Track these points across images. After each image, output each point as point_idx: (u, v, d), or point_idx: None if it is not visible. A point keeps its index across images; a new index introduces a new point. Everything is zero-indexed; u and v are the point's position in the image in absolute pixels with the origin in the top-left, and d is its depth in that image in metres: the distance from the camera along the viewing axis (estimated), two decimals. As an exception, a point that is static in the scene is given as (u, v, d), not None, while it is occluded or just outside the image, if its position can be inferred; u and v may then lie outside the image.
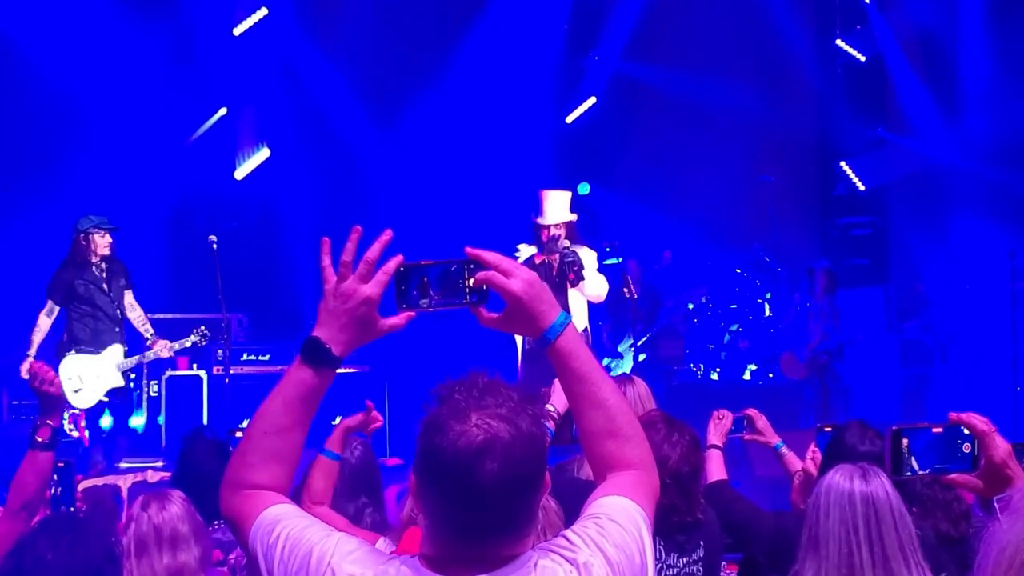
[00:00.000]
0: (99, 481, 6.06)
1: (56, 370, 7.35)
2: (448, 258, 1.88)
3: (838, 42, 12.31)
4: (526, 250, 7.42)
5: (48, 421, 3.34)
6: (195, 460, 4.67)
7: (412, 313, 1.88)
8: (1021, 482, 2.00)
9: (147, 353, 7.89)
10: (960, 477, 2.04)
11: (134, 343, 8.00)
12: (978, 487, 2.04)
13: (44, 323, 7.65)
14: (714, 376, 11.02)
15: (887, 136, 12.19)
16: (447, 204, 10.96)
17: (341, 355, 1.91)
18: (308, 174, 11.07)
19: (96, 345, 7.71)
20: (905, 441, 2.01)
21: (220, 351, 8.53)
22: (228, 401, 8.15)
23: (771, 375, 10.85)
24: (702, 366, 11.04)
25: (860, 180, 12.17)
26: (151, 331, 7.95)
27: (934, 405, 10.46)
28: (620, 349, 10.36)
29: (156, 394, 8.98)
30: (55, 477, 3.51)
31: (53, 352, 7.71)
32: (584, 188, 11.44)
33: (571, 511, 2.55)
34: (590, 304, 7.45)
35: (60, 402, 3.44)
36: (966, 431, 2.01)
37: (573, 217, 7.39)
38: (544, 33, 12.15)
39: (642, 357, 10.00)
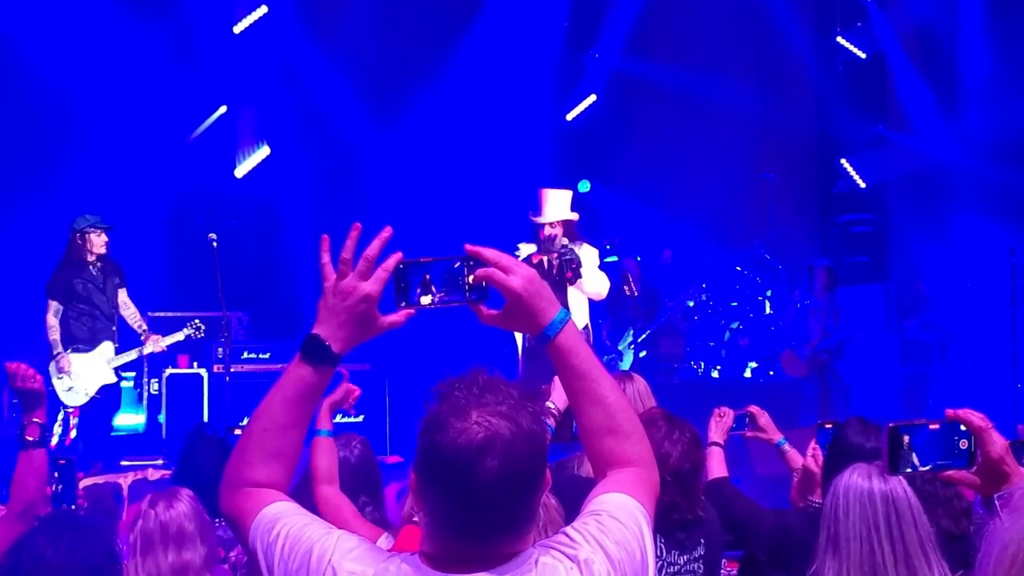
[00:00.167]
0: (100, 479, 6.06)
1: (47, 370, 7.50)
2: (447, 255, 1.88)
3: (838, 39, 12.30)
4: (526, 248, 7.42)
5: (35, 419, 3.34)
6: (196, 457, 4.68)
7: (412, 310, 1.88)
8: (1018, 478, 2.00)
9: (141, 348, 7.95)
10: (957, 474, 2.04)
11: (127, 340, 8.03)
12: (975, 483, 2.04)
13: (54, 322, 7.72)
14: (714, 374, 11.02)
15: (887, 133, 12.18)
16: (447, 202, 10.96)
17: (340, 352, 1.91)
18: (308, 172, 11.07)
19: (92, 344, 7.79)
20: (907, 438, 2.00)
21: (220, 349, 8.54)
22: (228, 399, 8.16)
23: (771, 373, 10.85)
24: (702, 364, 11.03)
25: (860, 177, 12.16)
26: (144, 327, 8.05)
27: (934, 403, 10.46)
28: (620, 347, 10.36)
29: (156, 392, 8.99)
30: (56, 474, 3.52)
31: (46, 351, 7.77)
32: (584, 186, 11.44)
33: (571, 508, 2.54)
34: (591, 302, 7.45)
35: (43, 398, 3.45)
36: (963, 427, 2.01)
37: (574, 216, 7.39)
38: (544, 31, 12.14)
39: (642, 354, 10.00)
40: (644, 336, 10.39)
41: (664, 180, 11.99)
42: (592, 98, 12.55)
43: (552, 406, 3.25)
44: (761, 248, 11.49)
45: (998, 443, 2.01)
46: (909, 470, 2.03)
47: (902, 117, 11.99)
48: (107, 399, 7.95)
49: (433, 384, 1.80)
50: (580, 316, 7.27)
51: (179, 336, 8.03)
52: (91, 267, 7.81)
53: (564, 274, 7.08)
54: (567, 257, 7.09)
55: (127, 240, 8.81)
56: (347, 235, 1.89)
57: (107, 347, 7.85)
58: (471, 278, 1.85)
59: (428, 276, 1.86)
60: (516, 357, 7.34)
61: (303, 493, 3.27)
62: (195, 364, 9.06)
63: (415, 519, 2.87)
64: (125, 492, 5.71)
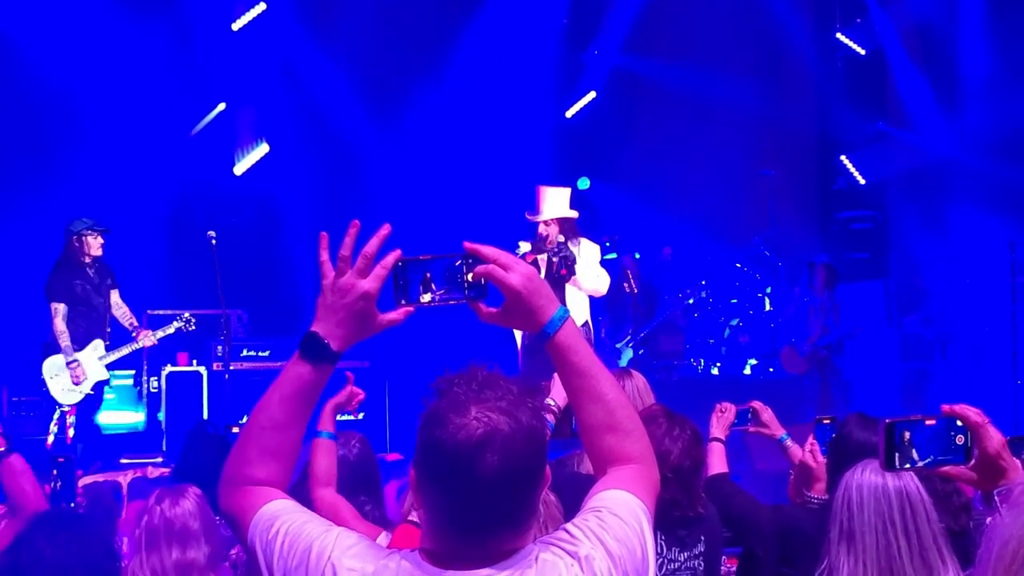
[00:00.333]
0: (99, 477, 6.07)
1: (40, 369, 7.54)
2: (446, 252, 1.87)
3: (838, 35, 12.29)
4: (525, 246, 7.41)
5: None
6: (197, 455, 4.68)
7: (411, 308, 1.88)
8: (1015, 473, 1.99)
9: (132, 344, 7.99)
10: (954, 469, 2.03)
11: (119, 338, 8.06)
12: (972, 479, 2.03)
13: (63, 328, 7.74)
14: (714, 371, 11.02)
15: (887, 130, 12.17)
16: (447, 199, 10.95)
17: (339, 350, 1.90)
18: (307, 169, 11.05)
19: (85, 343, 7.82)
20: (903, 434, 2.00)
21: (220, 347, 8.54)
22: (228, 397, 8.16)
23: (771, 370, 10.85)
24: (702, 361, 11.03)
25: (860, 174, 12.16)
26: (135, 323, 8.11)
27: (934, 399, 10.44)
28: (618, 346, 10.36)
29: (156, 390, 8.99)
30: (55, 472, 3.53)
31: (39, 352, 7.79)
32: (584, 183, 11.43)
33: (571, 505, 2.54)
34: (591, 299, 7.44)
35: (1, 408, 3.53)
36: (959, 423, 2.00)
37: (573, 214, 7.38)
38: (543, 28, 12.13)
39: (641, 351, 10.00)
40: (644, 334, 10.38)
41: (664, 177, 11.99)
42: (592, 95, 12.54)
43: (552, 402, 3.25)
44: (761, 245, 11.49)
45: (995, 438, 2.01)
46: (907, 466, 2.03)
47: (902, 113, 11.98)
48: (95, 396, 7.98)
49: (432, 381, 1.80)
50: (580, 313, 7.26)
51: (170, 330, 8.09)
52: (88, 269, 7.86)
53: (559, 271, 7.08)
54: (562, 254, 7.10)
55: (126, 238, 8.80)
56: (346, 232, 1.89)
57: (98, 344, 7.89)
58: (470, 276, 1.85)
59: (428, 274, 1.86)
60: (516, 354, 7.34)
61: (302, 491, 3.26)
62: (194, 362, 9.07)
63: (412, 518, 2.86)
64: (124, 490, 5.72)
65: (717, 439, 4.11)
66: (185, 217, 10.58)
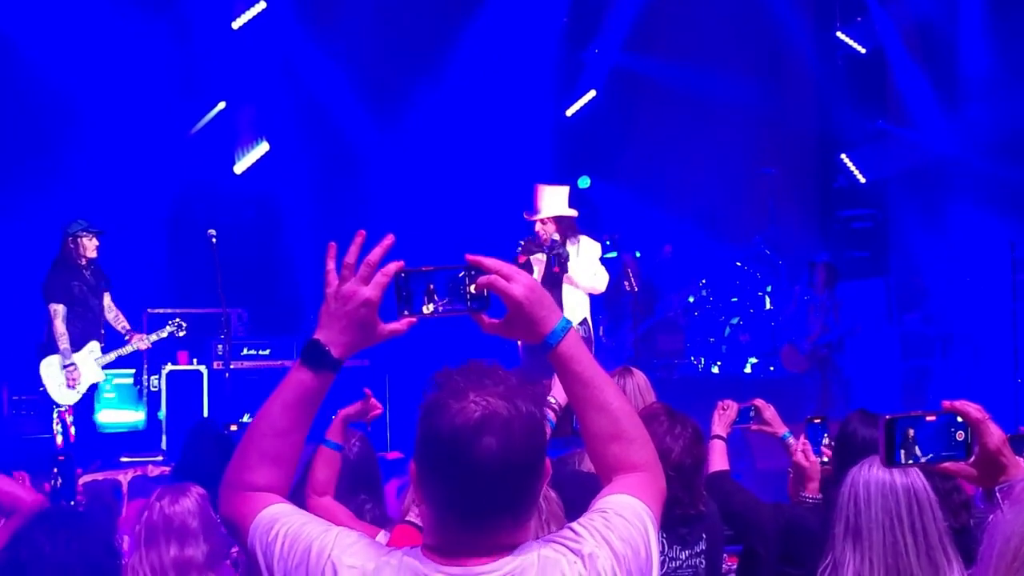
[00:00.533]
0: (99, 476, 6.07)
1: (37, 368, 7.53)
2: (448, 263, 1.88)
3: (838, 34, 12.28)
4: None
5: None
6: (198, 454, 4.68)
7: (414, 319, 1.89)
8: (1015, 470, 1.99)
9: (125, 347, 7.99)
10: (954, 466, 2.03)
11: (113, 341, 8.08)
12: (972, 476, 2.03)
13: (63, 330, 7.74)
14: (714, 369, 11.02)
15: (887, 128, 12.16)
16: (447, 198, 10.95)
17: (341, 357, 1.91)
18: (307, 167, 11.05)
19: (80, 344, 7.83)
20: (909, 431, 1.99)
21: (220, 346, 8.54)
22: (228, 395, 8.17)
23: (771, 368, 10.85)
24: (703, 359, 11.03)
25: (860, 172, 12.15)
26: (127, 326, 8.12)
27: (935, 397, 10.43)
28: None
29: (156, 389, 9.00)
30: (55, 471, 3.52)
31: (34, 353, 7.80)
32: (584, 181, 11.43)
33: (572, 503, 2.54)
34: (591, 296, 7.44)
35: None
36: (960, 419, 2.00)
37: (572, 212, 7.37)
38: (544, 26, 12.13)
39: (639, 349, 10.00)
40: (643, 333, 10.38)
41: (664, 175, 11.98)
42: (592, 94, 12.54)
43: (553, 401, 3.25)
44: (761, 243, 11.49)
45: (995, 434, 2.00)
46: (908, 462, 2.02)
47: (902, 112, 11.97)
48: (89, 396, 7.98)
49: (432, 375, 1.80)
50: (578, 311, 7.26)
51: (163, 333, 8.11)
52: (84, 271, 7.88)
53: (552, 268, 7.08)
54: (555, 251, 7.10)
55: (126, 237, 8.80)
56: (352, 241, 1.90)
57: (94, 346, 7.90)
58: (473, 287, 1.86)
59: (431, 285, 1.87)
60: (516, 353, 7.34)
61: (301, 494, 3.25)
62: (195, 360, 9.07)
63: (410, 518, 2.86)
64: (124, 488, 5.72)
65: (719, 437, 4.11)
66: (185, 216, 10.57)
